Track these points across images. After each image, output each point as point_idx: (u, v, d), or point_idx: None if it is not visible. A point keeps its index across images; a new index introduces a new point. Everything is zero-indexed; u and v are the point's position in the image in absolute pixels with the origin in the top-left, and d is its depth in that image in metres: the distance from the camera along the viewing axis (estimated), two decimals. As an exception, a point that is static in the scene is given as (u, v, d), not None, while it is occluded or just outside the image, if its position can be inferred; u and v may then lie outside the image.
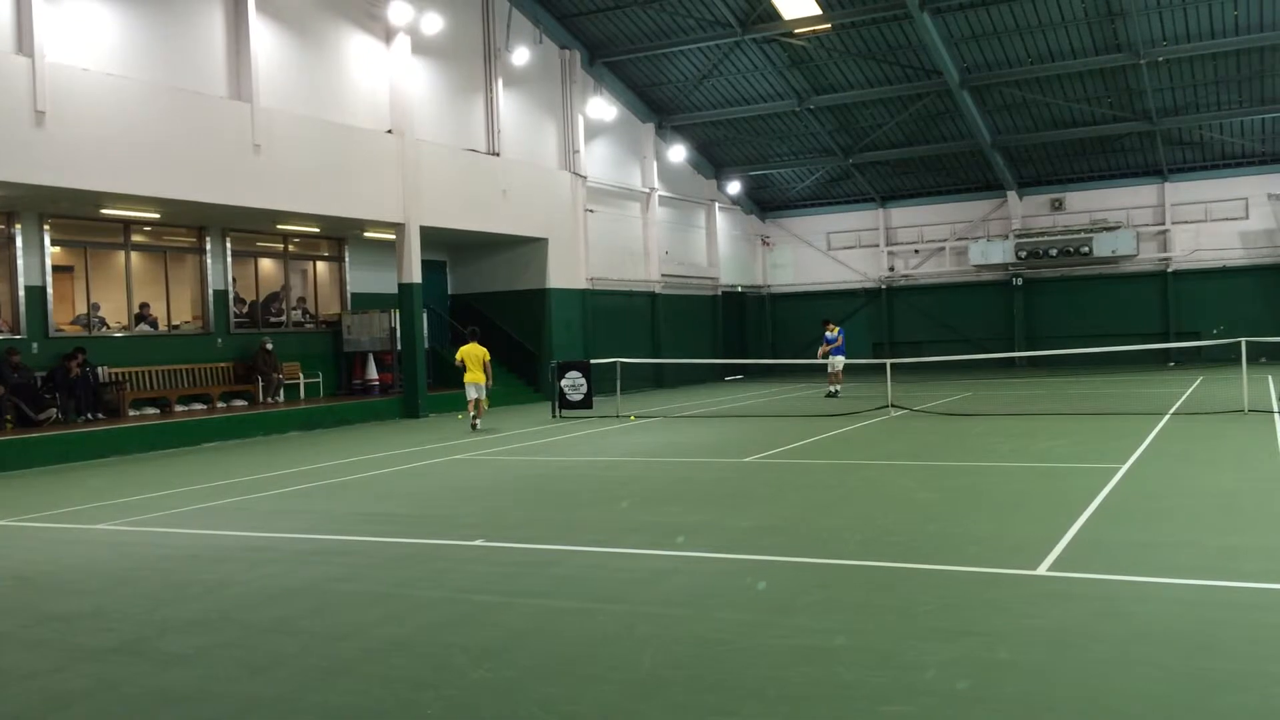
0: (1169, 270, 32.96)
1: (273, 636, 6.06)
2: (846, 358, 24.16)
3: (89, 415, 18.05)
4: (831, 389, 23.83)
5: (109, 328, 19.86)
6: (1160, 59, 26.90)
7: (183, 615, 6.62)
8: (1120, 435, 13.94)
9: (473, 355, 18.47)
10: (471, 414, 18.68)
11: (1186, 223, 32.80)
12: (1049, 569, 6.85)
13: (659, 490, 11.28)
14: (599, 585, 6.96)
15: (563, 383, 20.96)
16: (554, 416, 20.68)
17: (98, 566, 8.32)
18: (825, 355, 23.95)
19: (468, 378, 18.44)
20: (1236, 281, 32.09)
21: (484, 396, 18.68)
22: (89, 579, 7.87)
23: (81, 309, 19.69)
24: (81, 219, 19.09)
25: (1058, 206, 34.28)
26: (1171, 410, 17.19)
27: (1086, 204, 33.94)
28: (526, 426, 19.25)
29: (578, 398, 20.78)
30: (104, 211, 18.77)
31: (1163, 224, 32.98)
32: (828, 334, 24.15)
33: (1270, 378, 18.91)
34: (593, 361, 22.02)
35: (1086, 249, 32.66)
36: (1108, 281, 33.77)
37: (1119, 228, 32.79)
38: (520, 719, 4.64)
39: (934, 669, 5.02)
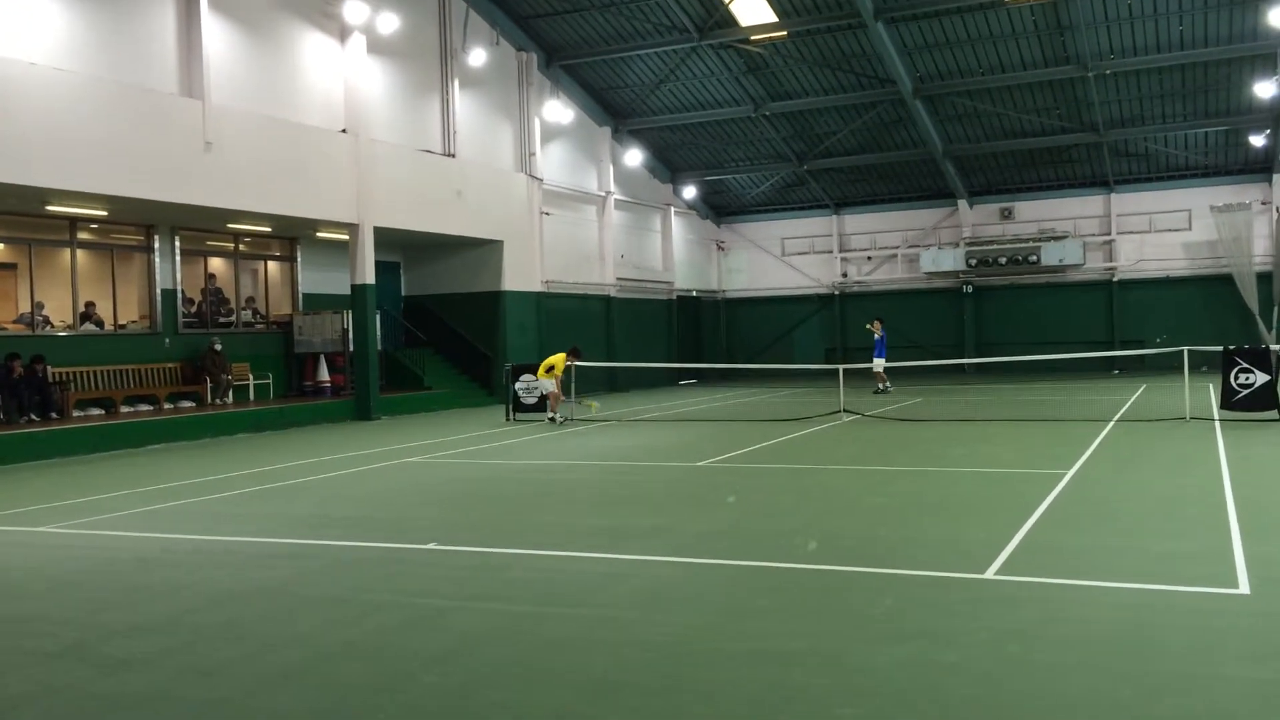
0: (1114, 280, 33.57)
1: (222, 641, 5.99)
2: (885, 359, 24.88)
3: (31, 416, 17.70)
4: (880, 386, 24.81)
5: (53, 327, 19.49)
6: (1108, 72, 27.39)
7: (130, 619, 6.52)
8: (1066, 441, 14.17)
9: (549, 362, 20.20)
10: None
11: (1131, 233, 33.42)
12: (996, 573, 6.96)
13: (612, 494, 11.29)
14: (552, 589, 6.96)
15: (517, 386, 20.91)
16: (508, 420, 20.62)
17: (42, 570, 8.17)
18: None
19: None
20: (1179, 291, 32.73)
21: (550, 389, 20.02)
22: (32, 582, 7.73)
23: (25, 307, 19.31)
24: (26, 215, 18.71)
25: (1007, 215, 34.76)
26: (1116, 417, 17.50)
27: (1035, 213, 34.45)
28: (480, 429, 19.18)
29: (532, 401, 20.74)
30: (49, 208, 18.43)
31: (1108, 234, 33.59)
32: (876, 334, 25.23)
33: (1211, 386, 19.32)
34: (547, 364, 21.95)
35: (1035, 257, 33.18)
36: (1055, 290, 34.33)
37: (1066, 237, 33.32)
38: (473, 723, 4.63)
39: (884, 671, 5.08)
